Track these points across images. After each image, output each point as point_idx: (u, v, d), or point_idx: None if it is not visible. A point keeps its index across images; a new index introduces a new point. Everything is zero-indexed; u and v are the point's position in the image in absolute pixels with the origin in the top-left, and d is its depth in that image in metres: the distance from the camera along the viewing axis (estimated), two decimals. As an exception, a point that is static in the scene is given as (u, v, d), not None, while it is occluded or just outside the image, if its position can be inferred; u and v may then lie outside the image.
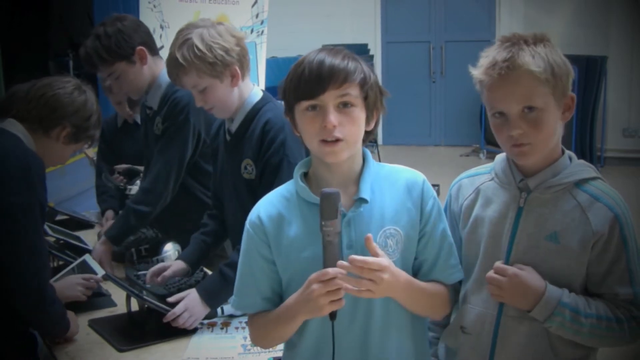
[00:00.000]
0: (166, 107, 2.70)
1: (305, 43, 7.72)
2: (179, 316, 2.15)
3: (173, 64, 2.17)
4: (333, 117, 1.45)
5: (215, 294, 2.23)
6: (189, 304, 2.18)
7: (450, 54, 9.64)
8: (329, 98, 1.45)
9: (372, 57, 9.10)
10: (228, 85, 2.22)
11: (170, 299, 2.19)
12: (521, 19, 9.26)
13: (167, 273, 2.36)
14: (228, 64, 2.18)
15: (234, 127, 2.31)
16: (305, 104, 1.47)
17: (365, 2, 9.71)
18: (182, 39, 2.16)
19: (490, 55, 1.54)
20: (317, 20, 9.40)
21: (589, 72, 7.92)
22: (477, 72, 1.56)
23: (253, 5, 4.67)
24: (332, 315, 1.44)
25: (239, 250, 2.22)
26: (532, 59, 1.50)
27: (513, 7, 9.28)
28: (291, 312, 1.49)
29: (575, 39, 8.71)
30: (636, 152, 8.41)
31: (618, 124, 8.59)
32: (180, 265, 2.41)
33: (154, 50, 2.74)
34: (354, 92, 1.47)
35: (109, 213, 3.31)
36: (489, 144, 8.94)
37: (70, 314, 2.15)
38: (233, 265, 2.19)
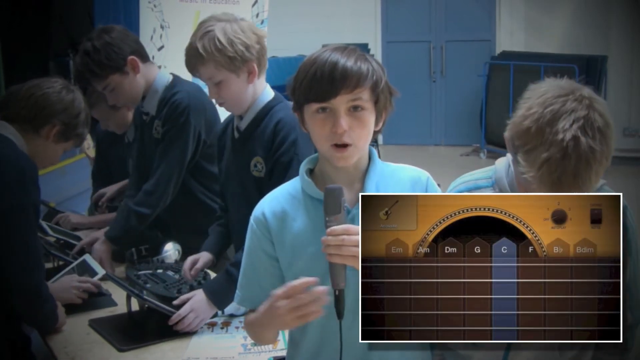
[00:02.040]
0: (165, 110, 2.69)
1: (305, 43, 7.74)
2: (184, 318, 2.16)
3: (192, 53, 2.19)
4: (344, 122, 1.44)
5: (222, 294, 2.22)
6: (195, 305, 2.18)
7: (450, 53, 9.65)
8: (341, 102, 1.45)
9: (372, 56, 9.09)
10: (244, 81, 2.22)
11: (176, 302, 2.19)
12: (521, 19, 9.27)
13: (198, 265, 2.37)
14: (247, 60, 2.19)
15: (243, 124, 2.30)
16: (315, 106, 1.46)
17: (366, 2, 9.72)
18: (204, 30, 2.18)
19: (552, 165, 1.37)
20: (317, 20, 9.41)
21: (589, 72, 7.92)
22: (528, 173, 1.40)
23: (253, 5, 4.67)
24: (339, 314, 1.44)
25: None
26: (595, 177, 1.39)
27: (513, 7, 9.28)
28: (261, 324, 1.51)
29: (575, 39, 8.72)
30: (636, 152, 8.41)
31: (618, 124, 8.54)
32: (208, 256, 2.41)
33: (145, 57, 2.73)
34: (365, 96, 1.46)
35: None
36: (489, 144, 8.94)
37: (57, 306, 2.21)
38: (239, 265, 2.20)
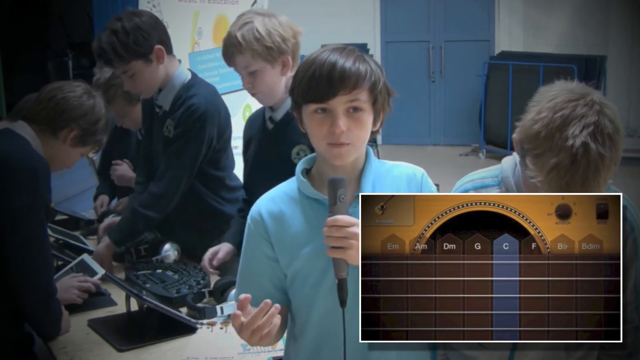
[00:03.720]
0: (181, 112, 2.64)
1: (304, 43, 7.69)
2: None
3: (231, 42, 2.26)
4: (342, 123, 1.45)
5: None
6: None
7: (449, 53, 9.65)
8: (339, 103, 1.45)
9: (371, 56, 9.08)
10: (278, 73, 2.29)
11: None
12: (520, 19, 9.27)
13: (220, 255, 2.45)
14: (282, 52, 2.27)
15: (279, 115, 2.34)
16: (314, 106, 1.47)
17: (365, 2, 9.72)
18: (244, 21, 2.27)
19: (561, 170, 1.38)
20: (316, 20, 9.39)
21: (588, 72, 7.92)
22: (537, 177, 1.41)
23: (252, 5, 4.68)
24: (342, 303, 1.44)
25: None
26: (603, 182, 1.40)
27: (512, 7, 9.29)
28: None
29: (575, 38, 8.73)
30: (636, 152, 8.40)
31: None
32: (229, 247, 2.48)
33: (170, 49, 2.68)
34: (363, 97, 1.47)
35: (104, 198, 3.41)
36: (488, 144, 8.95)
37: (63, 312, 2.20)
38: None
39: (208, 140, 2.67)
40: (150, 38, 2.56)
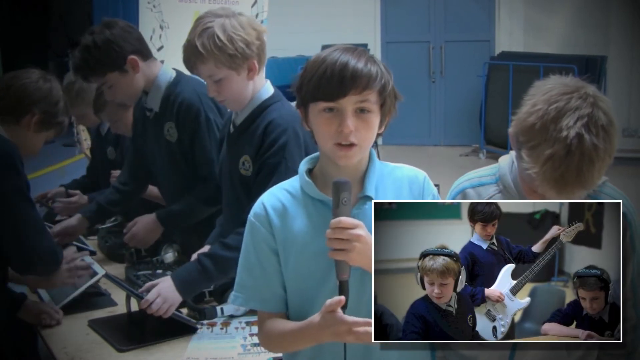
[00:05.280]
0: (177, 111, 2.60)
1: (305, 43, 7.71)
2: (152, 303, 2.13)
3: (191, 51, 2.14)
4: (350, 122, 1.45)
5: (191, 284, 2.20)
6: (162, 290, 2.16)
7: (449, 54, 9.65)
8: (349, 102, 1.45)
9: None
10: (244, 79, 2.19)
11: (142, 289, 2.20)
12: (521, 19, 9.27)
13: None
14: (247, 58, 2.16)
15: (239, 120, 2.27)
16: (323, 105, 1.47)
17: (365, 2, 9.72)
18: (203, 27, 2.14)
19: (556, 161, 1.38)
20: (317, 20, 9.41)
21: (589, 72, 7.92)
22: (532, 169, 1.40)
23: (253, 5, 4.67)
24: (344, 305, 1.41)
25: (222, 243, 2.20)
26: (597, 174, 1.40)
27: (513, 7, 9.29)
28: (316, 338, 1.46)
29: (575, 39, 8.73)
30: (636, 152, 8.41)
31: (618, 124, 8.55)
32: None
33: (147, 55, 2.64)
34: (372, 99, 1.48)
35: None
36: (489, 144, 8.94)
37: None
38: (213, 257, 2.19)
39: (217, 125, 2.60)
40: (122, 50, 2.53)
